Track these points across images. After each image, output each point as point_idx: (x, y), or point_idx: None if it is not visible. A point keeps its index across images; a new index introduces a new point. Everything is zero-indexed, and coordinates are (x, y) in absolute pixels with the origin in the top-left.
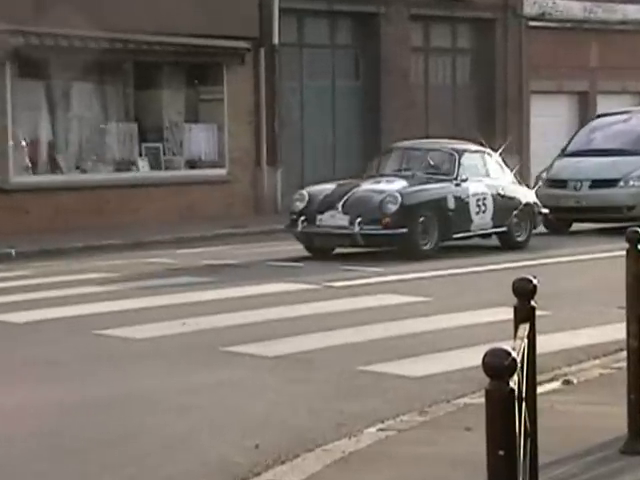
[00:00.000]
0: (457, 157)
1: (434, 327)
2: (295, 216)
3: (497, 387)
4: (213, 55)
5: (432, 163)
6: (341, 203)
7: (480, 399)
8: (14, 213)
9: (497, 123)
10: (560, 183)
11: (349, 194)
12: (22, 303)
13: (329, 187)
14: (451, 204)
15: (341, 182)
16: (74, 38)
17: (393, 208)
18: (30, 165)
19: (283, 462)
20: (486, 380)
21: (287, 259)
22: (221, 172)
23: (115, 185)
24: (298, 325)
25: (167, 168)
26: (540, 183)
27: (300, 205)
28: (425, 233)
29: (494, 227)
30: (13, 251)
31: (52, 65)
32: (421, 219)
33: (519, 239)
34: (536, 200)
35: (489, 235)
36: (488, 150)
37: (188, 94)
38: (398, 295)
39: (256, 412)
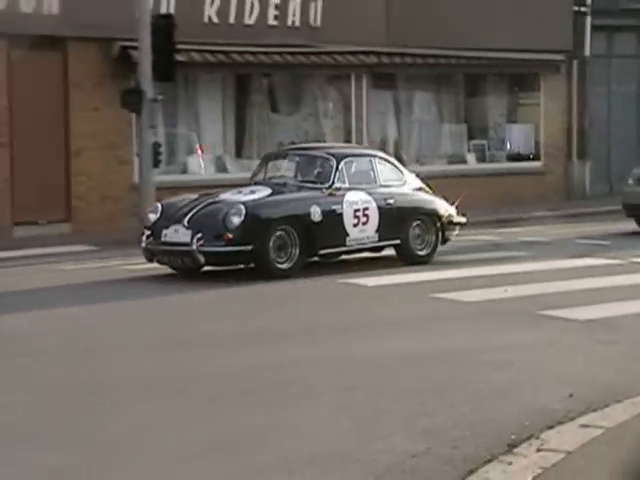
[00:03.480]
0: (334, 162)
1: None
2: (146, 230)
3: None
4: (531, 67)
5: (308, 169)
6: (188, 217)
7: None
8: None
9: None
10: None
11: (200, 206)
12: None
13: (189, 198)
14: (316, 216)
15: (207, 192)
16: (417, 56)
17: (236, 222)
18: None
19: (595, 410)
20: None
21: (595, 237)
22: (537, 165)
23: (448, 175)
24: (603, 294)
25: (491, 161)
26: (630, 180)
27: (153, 218)
28: (282, 250)
29: (381, 240)
30: None
31: (399, 78)
32: (277, 234)
33: (420, 253)
34: (451, 211)
35: (379, 249)
36: (381, 154)
37: (509, 99)
38: None
39: (569, 368)
